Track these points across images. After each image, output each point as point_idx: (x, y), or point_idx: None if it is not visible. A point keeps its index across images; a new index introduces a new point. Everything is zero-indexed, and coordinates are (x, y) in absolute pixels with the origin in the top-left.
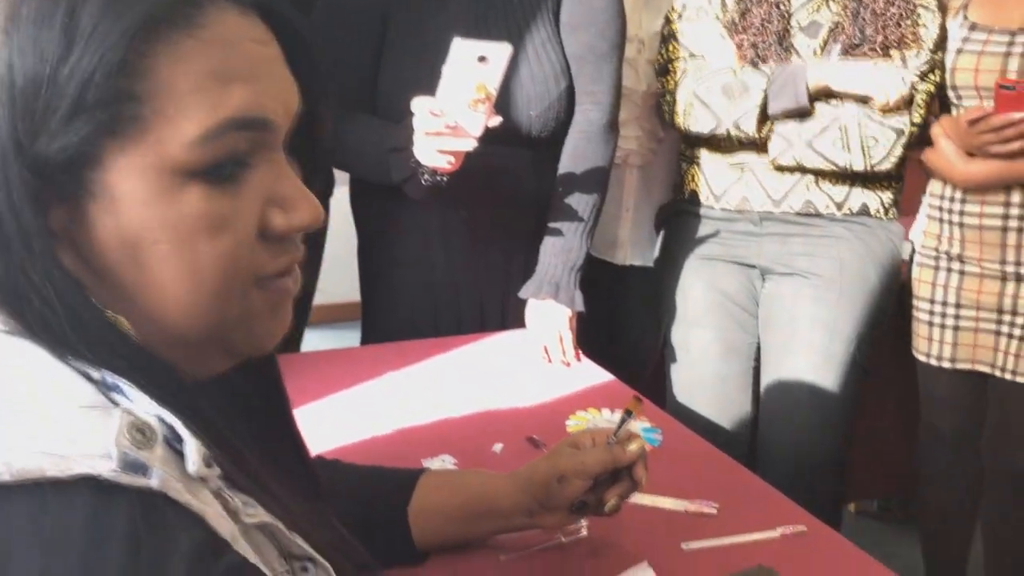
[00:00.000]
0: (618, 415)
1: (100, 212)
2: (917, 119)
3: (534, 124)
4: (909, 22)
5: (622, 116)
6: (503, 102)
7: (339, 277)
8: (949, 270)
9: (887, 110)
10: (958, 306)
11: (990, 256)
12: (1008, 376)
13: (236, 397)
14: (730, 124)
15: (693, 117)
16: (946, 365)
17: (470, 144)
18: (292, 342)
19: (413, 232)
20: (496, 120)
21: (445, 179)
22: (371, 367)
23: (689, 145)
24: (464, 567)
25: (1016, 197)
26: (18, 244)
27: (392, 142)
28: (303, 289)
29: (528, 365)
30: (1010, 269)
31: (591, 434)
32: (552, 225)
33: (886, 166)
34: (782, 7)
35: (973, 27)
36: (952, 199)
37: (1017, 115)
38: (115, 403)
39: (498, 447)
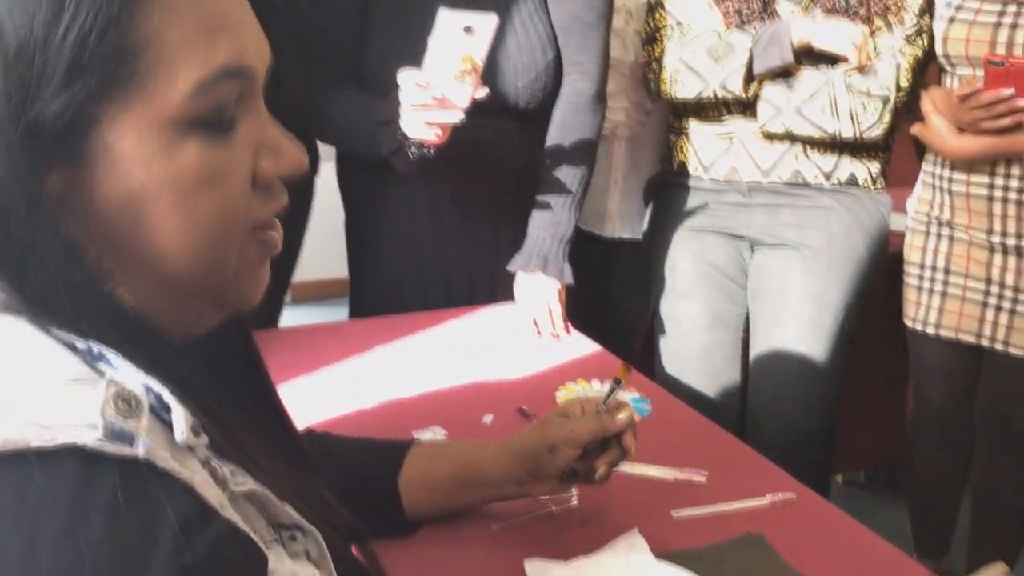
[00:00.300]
0: (607, 386)
1: (99, 174)
2: (904, 84)
3: (521, 95)
4: None
5: (610, 88)
6: (490, 73)
7: (326, 253)
8: (939, 235)
9: (861, 69)
10: (947, 272)
11: (978, 225)
12: (999, 347)
13: (220, 369)
14: (717, 86)
15: (679, 83)
16: (931, 331)
17: (457, 116)
18: (271, 317)
19: (400, 206)
20: (483, 91)
21: (432, 152)
22: (360, 341)
23: (677, 116)
24: (455, 536)
25: (1002, 168)
26: (17, 212)
27: (379, 115)
28: (283, 264)
29: (517, 338)
30: (996, 239)
31: (580, 403)
32: (540, 198)
33: (875, 133)
34: None
35: None
36: (942, 166)
37: (1006, 91)
38: (100, 373)
39: (488, 418)
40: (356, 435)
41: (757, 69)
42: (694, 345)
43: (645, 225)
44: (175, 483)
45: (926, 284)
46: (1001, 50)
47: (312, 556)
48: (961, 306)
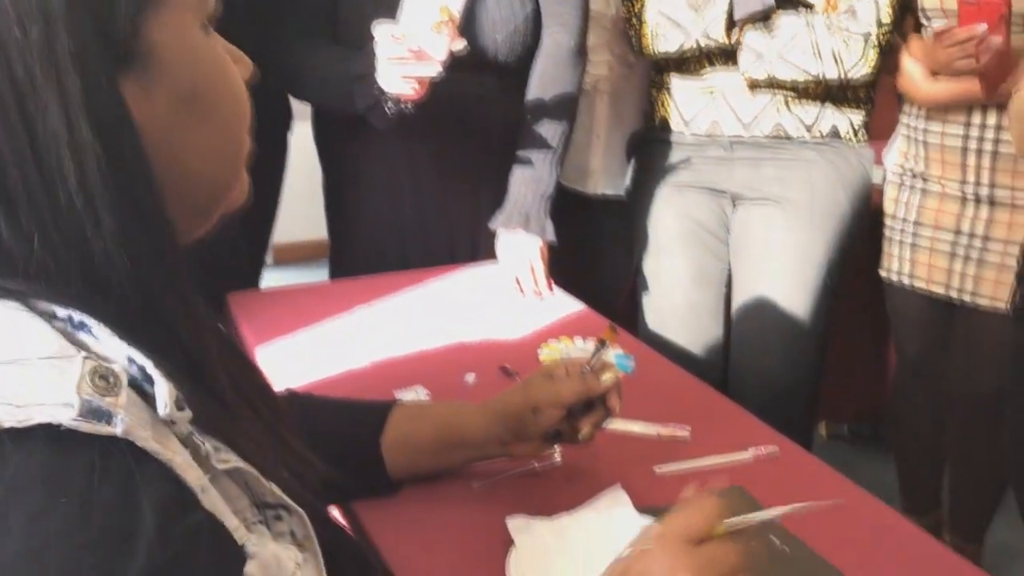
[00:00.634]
0: (591, 343)
1: (153, 82)
2: (886, 20)
3: (500, 49)
4: None
5: (591, 41)
6: (468, 27)
7: (307, 215)
8: (912, 187)
9: (833, 9)
10: (917, 223)
11: (951, 176)
12: (968, 298)
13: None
14: (699, 35)
15: (661, 37)
16: (905, 282)
17: (435, 69)
18: (252, 279)
19: (379, 164)
20: (461, 44)
21: (411, 108)
22: (341, 301)
23: (658, 71)
24: (437, 495)
25: (976, 118)
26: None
27: (354, 69)
28: (262, 224)
29: (499, 296)
30: (969, 190)
31: (565, 364)
32: (521, 154)
33: (860, 72)
34: None
35: None
36: (918, 117)
37: (979, 27)
38: (80, 345)
39: (471, 377)
40: (338, 396)
41: (738, 15)
42: (677, 302)
43: (628, 181)
44: (154, 465)
45: (897, 236)
46: None
47: (297, 537)
48: (930, 257)
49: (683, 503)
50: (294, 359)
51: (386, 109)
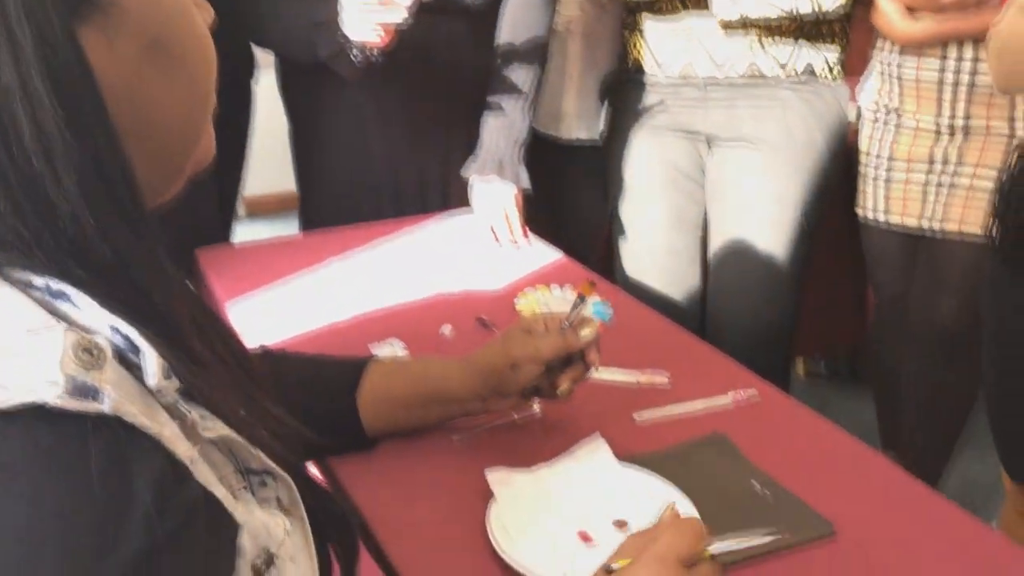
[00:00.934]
0: (568, 291)
1: (113, 30)
2: None
3: None
4: None
5: None
6: None
7: (276, 166)
8: (886, 123)
9: None
10: (891, 160)
11: (926, 111)
12: (937, 225)
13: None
14: None
15: None
16: (881, 218)
17: (400, 15)
18: (224, 233)
19: (347, 114)
20: None
21: (377, 55)
22: (313, 255)
23: (631, 12)
24: (415, 449)
25: (953, 52)
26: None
27: (317, 16)
28: (230, 176)
29: (475, 246)
30: (944, 123)
31: (544, 319)
32: (492, 99)
33: (835, 5)
34: None
35: None
36: (892, 53)
37: None
38: (61, 314)
39: (447, 329)
40: (312, 352)
41: None
42: (655, 246)
43: (602, 125)
44: (145, 440)
45: (871, 173)
46: None
47: (283, 502)
48: (904, 192)
49: (672, 522)
50: (266, 315)
51: (351, 57)
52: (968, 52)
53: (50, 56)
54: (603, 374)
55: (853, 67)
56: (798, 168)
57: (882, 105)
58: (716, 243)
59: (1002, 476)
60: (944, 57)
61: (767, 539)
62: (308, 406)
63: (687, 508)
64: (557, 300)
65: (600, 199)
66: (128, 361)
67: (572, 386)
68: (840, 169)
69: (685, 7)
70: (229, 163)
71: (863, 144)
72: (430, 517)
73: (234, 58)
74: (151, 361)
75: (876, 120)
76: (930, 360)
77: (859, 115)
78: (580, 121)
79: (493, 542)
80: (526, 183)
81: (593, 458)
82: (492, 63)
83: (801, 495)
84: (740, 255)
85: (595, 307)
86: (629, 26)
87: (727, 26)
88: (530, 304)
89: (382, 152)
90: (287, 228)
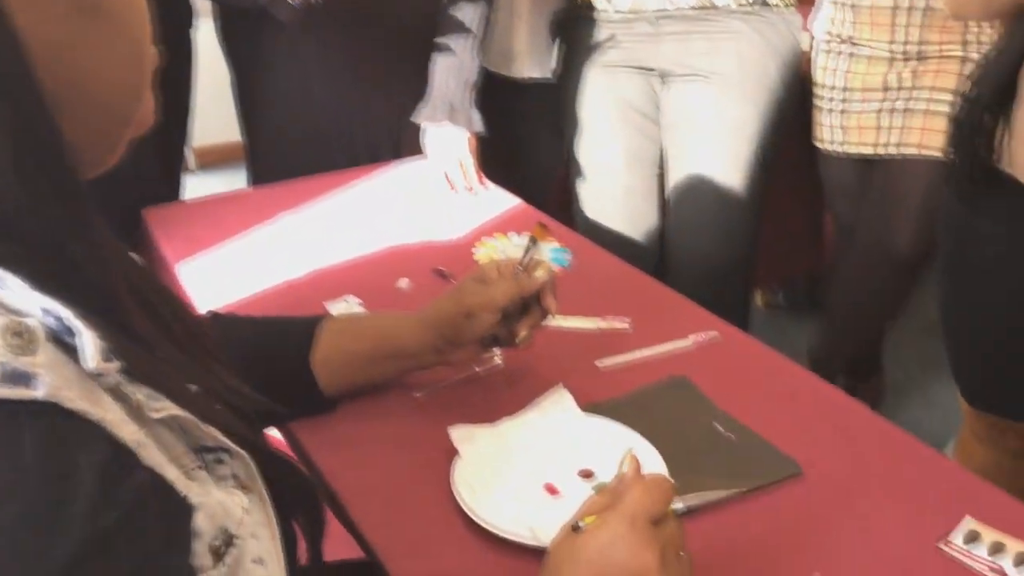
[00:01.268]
0: (527, 239)
1: None
2: None
3: None
4: None
5: None
6: None
7: (216, 116)
8: (840, 53)
9: None
10: (846, 90)
11: (880, 37)
12: (895, 150)
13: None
14: None
15: None
16: (838, 149)
17: None
18: (173, 189)
19: (290, 61)
20: None
21: None
22: (262, 209)
23: None
24: (377, 409)
25: None
26: None
27: None
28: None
29: (429, 194)
30: (898, 49)
31: (496, 266)
32: (440, 41)
33: None
34: None
35: None
36: None
37: None
38: None
39: (404, 282)
40: (264, 313)
41: None
42: (611, 186)
43: (554, 63)
44: (86, 426)
45: (826, 104)
46: None
47: (241, 478)
48: (859, 120)
49: (640, 480)
50: (218, 274)
51: (289, 0)
52: None
53: None
54: (564, 322)
55: None
56: (753, 100)
57: (835, 35)
58: (673, 180)
59: (959, 400)
60: None
61: (733, 491)
62: (262, 371)
63: (652, 456)
64: (516, 248)
65: (555, 136)
66: (65, 344)
67: (531, 333)
68: (795, 99)
69: None
70: (173, 117)
71: (817, 76)
72: (395, 478)
73: (170, 7)
74: (89, 343)
75: (829, 51)
76: (865, 268)
77: (812, 44)
78: (532, 59)
79: (459, 500)
80: (479, 127)
81: (557, 409)
82: (438, 3)
83: (765, 435)
84: (697, 190)
85: (553, 254)
86: None
87: None
88: (488, 253)
89: (329, 100)
90: (242, 179)
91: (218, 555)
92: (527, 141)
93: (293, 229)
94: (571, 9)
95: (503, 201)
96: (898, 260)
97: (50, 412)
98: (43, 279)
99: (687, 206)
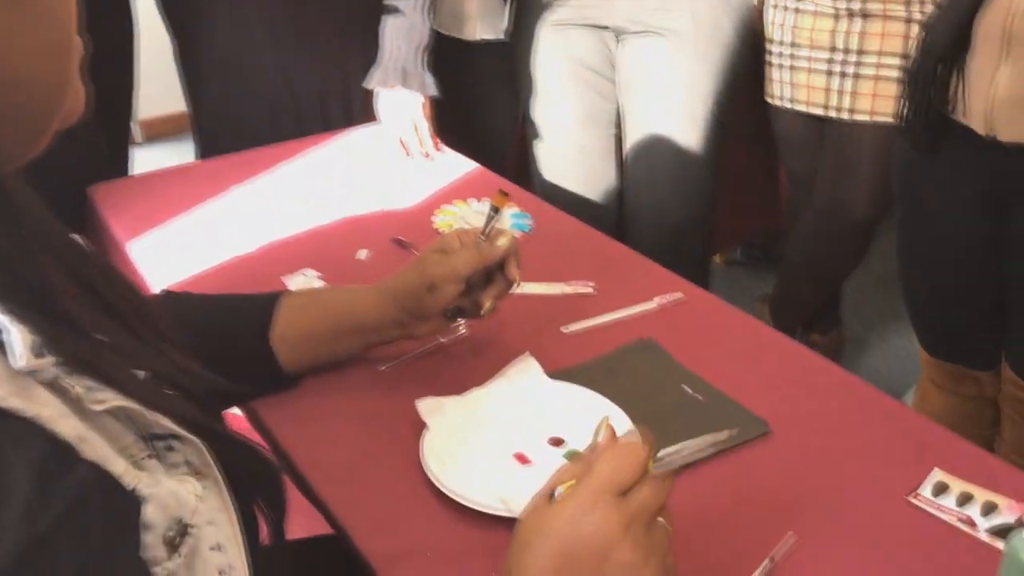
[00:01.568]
0: (486, 205)
1: None
2: None
3: None
4: None
5: None
6: None
7: (160, 86)
8: (786, 8)
9: None
10: (793, 45)
11: None
12: (846, 116)
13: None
14: None
15: None
16: (788, 106)
17: None
18: (120, 164)
19: (234, 27)
20: None
21: None
22: (213, 183)
23: None
24: (342, 384)
25: None
26: None
27: None
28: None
29: (385, 162)
30: (842, 5)
31: (458, 235)
32: (389, 3)
33: None
34: None
35: None
36: None
37: None
38: None
39: (363, 253)
40: (220, 290)
41: None
42: (565, 145)
43: (506, 23)
44: (19, 424)
45: (776, 60)
46: None
47: (194, 464)
48: (808, 78)
49: (610, 448)
50: (171, 251)
51: None
52: None
53: None
54: (528, 288)
55: None
56: (707, 57)
57: None
58: (629, 138)
59: (918, 349)
60: None
61: (709, 450)
62: (219, 350)
63: (621, 420)
64: (476, 214)
65: (510, 96)
66: None
67: (495, 303)
68: (748, 54)
69: None
70: (116, 90)
71: (768, 31)
72: (361, 452)
73: None
74: (16, 339)
75: (776, 5)
76: (822, 228)
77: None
78: (484, 21)
79: (428, 473)
80: (433, 90)
81: (524, 377)
82: None
83: (733, 394)
84: (654, 148)
85: (514, 219)
86: None
87: None
88: (448, 220)
89: (275, 65)
90: (191, 150)
91: (173, 546)
92: (482, 102)
93: (246, 201)
94: None
95: (460, 166)
96: (854, 222)
97: None
98: None
99: (643, 164)
